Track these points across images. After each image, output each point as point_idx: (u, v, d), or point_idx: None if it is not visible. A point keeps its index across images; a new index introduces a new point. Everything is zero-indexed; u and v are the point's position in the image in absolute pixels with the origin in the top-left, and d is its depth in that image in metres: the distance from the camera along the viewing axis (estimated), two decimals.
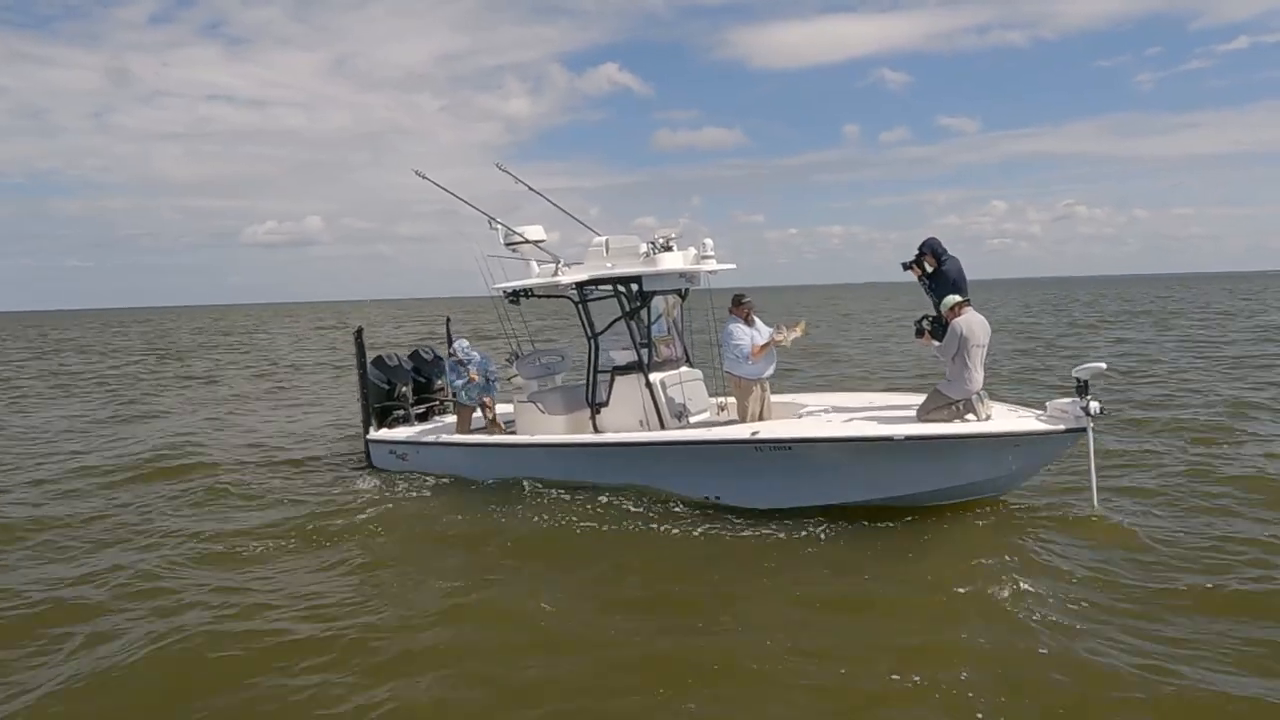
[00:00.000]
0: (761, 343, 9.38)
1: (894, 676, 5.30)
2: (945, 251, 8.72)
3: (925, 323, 8.86)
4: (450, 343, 12.77)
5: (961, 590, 6.58)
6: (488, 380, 11.08)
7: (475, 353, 11.01)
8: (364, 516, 9.23)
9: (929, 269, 8.72)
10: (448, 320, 13.37)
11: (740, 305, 9.53)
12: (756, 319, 9.68)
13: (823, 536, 7.94)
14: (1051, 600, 6.30)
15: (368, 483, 10.64)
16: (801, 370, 20.57)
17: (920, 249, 8.78)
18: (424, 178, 10.79)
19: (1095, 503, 8.08)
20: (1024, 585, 6.47)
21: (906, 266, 8.87)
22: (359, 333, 11.64)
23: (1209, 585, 6.46)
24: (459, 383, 10.84)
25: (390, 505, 9.70)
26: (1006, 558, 7.19)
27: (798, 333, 9.41)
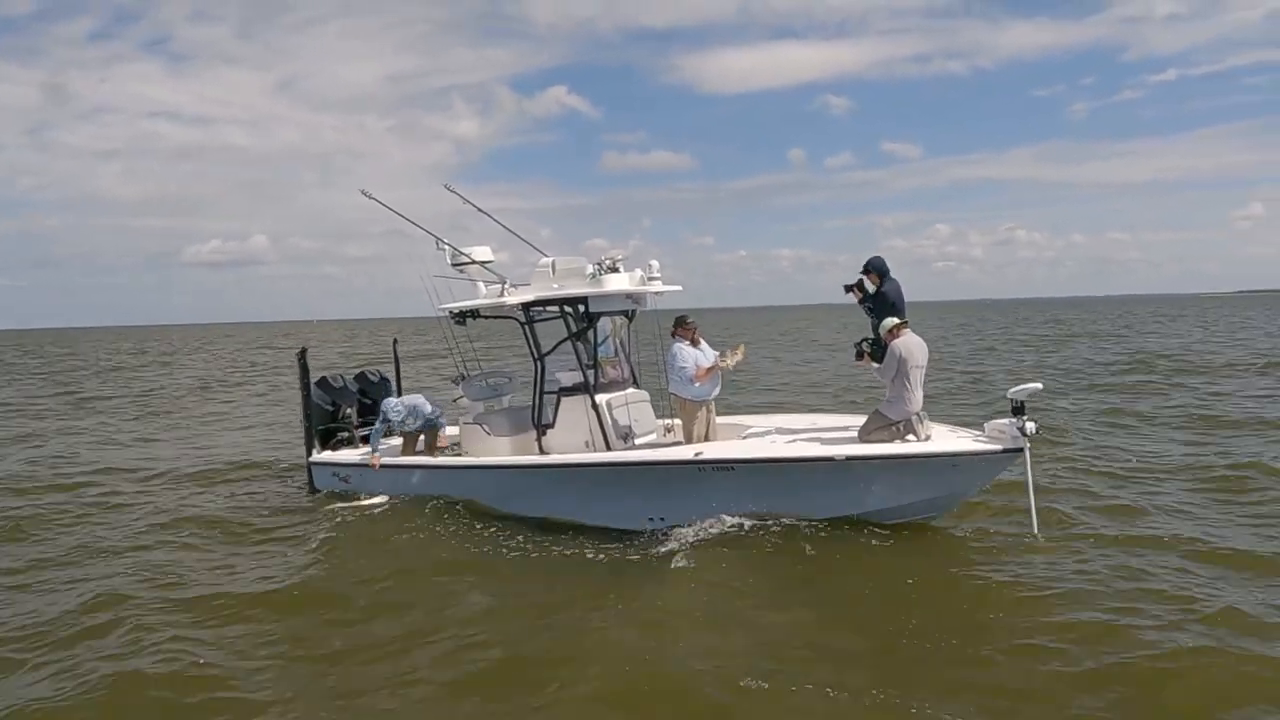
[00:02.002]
0: (707, 365, 9.43)
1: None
2: (889, 272, 8.82)
3: (865, 345, 8.98)
4: (397, 364, 12.68)
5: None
6: (429, 420, 10.86)
7: (402, 408, 10.60)
8: (306, 542, 9.05)
9: (871, 288, 8.83)
10: (394, 342, 13.24)
11: (684, 326, 9.58)
12: (702, 340, 9.73)
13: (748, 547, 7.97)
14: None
15: (309, 505, 10.42)
16: (738, 387, 20.63)
17: (865, 267, 8.85)
18: (370, 197, 10.70)
19: (1035, 527, 8.08)
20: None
21: (848, 289, 8.98)
22: (302, 353, 11.47)
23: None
24: (390, 423, 10.53)
25: (332, 530, 9.50)
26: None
27: (739, 357, 9.51)
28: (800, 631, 6.36)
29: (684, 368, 9.33)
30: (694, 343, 9.58)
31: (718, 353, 9.66)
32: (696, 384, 9.35)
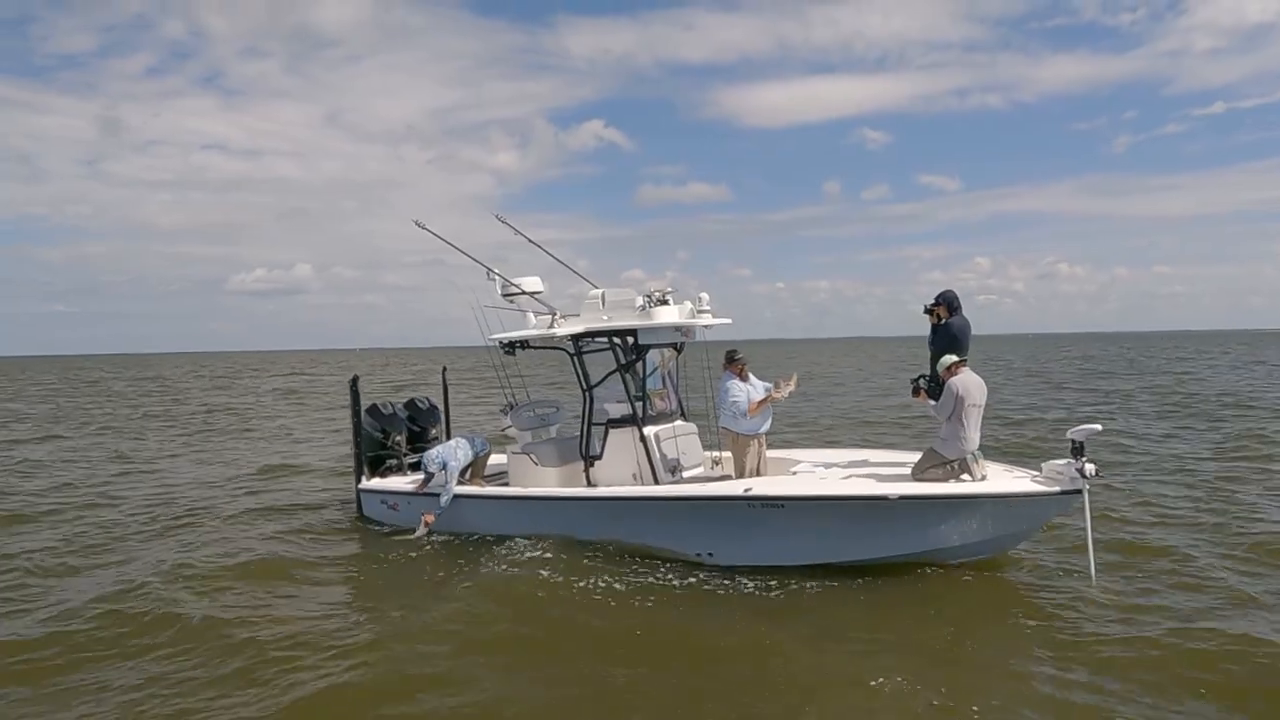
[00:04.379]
0: (758, 398, 9.36)
1: None
2: (959, 308, 8.66)
3: (921, 381, 8.84)
4: (445, 392, 12.77)
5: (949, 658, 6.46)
6: (477, 453, 10.73)
7: (440, 459, 10.19)
8: (353, 567, 9.11)
9: (941, 319, 8.67)
10: (444, 370, 13.36)
11: (734, 362, 9.53)
12: (751, 375, 9.67)
13: (811, 592, 7.83)
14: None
15: (357, 532, 10.50)
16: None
17: (937, 299, 8.70)
18: (423, 228, 10.85)
19: (1093, 567, 7.88)
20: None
21: (927, 310, 8.79)
22: (354, 381, 11.61)
23: None
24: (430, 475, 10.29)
25: (379, 557, 9.58)
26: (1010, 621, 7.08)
27: (791, 387, 9.42)
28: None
29: (736, 401, 9.27)
30: (743, 377, 9.52)
31: (769, 385, 9.59)
32: (747, 418, 9.28)
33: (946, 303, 8.63)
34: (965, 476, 8.20)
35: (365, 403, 11.53)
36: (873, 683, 5.90)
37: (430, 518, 10.07)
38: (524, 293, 10.32)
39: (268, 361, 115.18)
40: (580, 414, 9.96)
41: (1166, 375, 39.38)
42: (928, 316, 8.75)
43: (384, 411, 11.76)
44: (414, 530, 10.16)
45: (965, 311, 8.66)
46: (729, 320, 10.15)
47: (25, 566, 9.51)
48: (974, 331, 8.68)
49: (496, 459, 11.22)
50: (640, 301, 9.57)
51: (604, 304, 9.78)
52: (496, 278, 10.39)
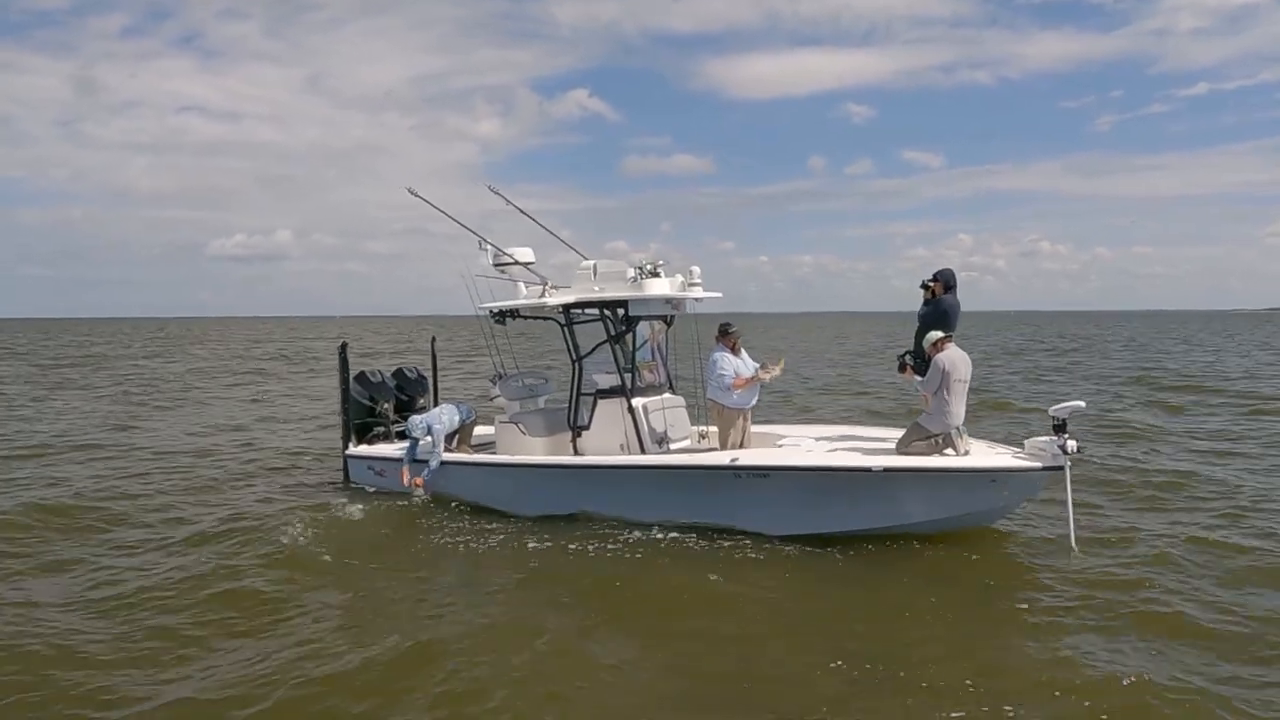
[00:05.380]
0: (747, 375, 9.42)
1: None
2: (954, 287, 8.77)
3: (907, 357, 8.94)
4: (435, 362, 12.80)
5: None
6: (463, 420, 10.80)
7: (423, 424, 10.18)
8: (338, 532, 9.16)
9: (935, 295, 8.76)
10: (432, 340, 13.39)
11: (727, 335, 9.56)
12: (743, 350, 9.72)
13: (792, 562, 7.93)
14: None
15: (343, 497, 10.54)
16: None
17: (935, 275, 8.81)
18: (416, 195, 10.82)
19: (1074, 543, 8.01)
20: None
21: (924, 285, 8.86)
22: (343, 348, 11.61)
23: None
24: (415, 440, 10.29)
25: (366, 521, 9.63)
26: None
27: (778, 370, 9.49)
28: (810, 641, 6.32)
29: (723, 374, 9.32)
30: (735, 351, 9.57)
31: (758, 364, 9.65)
32: (735, 393, 9.34)
33: (943, 280, 8.74)
34: (949, 451, 8.30)
35: (354, 370, 11.54)
36: (849, 658, 5.95)
37: (419, 482, 10.12)
38: (517, 263, 10.34)
39: (248, 328, 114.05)
40: (569, 384, 10.01)
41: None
42: (923, 291, 8.85)
43: (372, 379, 11.77)
44: (401, 493, 10.21)
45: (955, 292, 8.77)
46: (719, 294, 10.20)
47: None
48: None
49: (485, 429, 11.28)
50: (632, 273, 9.60)
51: (596, 275, 9.82)
52: (488, 247, 10.40)
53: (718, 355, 9.45)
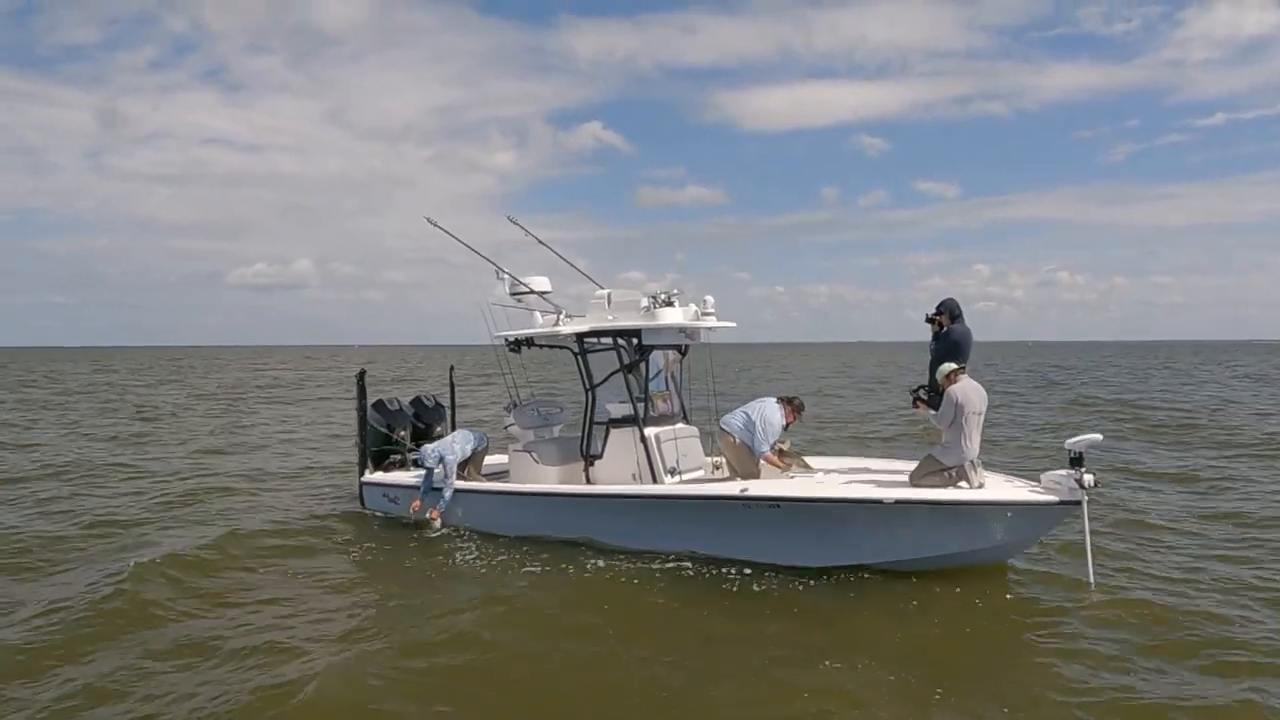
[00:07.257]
0: (781, 447, 9.47)
1: None
2: (961, 316, 8.70)
3: (921, 391, 8.85)
4: (453, 391, 12.86)
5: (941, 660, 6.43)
6: (475, 447, 10.79)
7: (436, 454, 10.20)
8: (353, 556, 9.19)
9: (942, 327, 8.69)
10: (450, 370, 13.48)
11: (793, 406, 9.56)
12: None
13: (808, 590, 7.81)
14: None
15: (358, 523, 10.58)
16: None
17: (938, 307, 8.75)
18: (435, 225, 10.97)
19: (1091, 577, 7.83)
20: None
21: (929, 319, 8.82)
22: (361, 375, 11.71)
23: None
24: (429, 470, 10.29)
25: (381, 547, 9.66)
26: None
27: (794, 469, 9.49)
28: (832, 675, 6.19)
29: (774, 430, 9.27)
30: (788, 420, 9.51)
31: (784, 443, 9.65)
32: (762, 446, 9.26)
33: (948, 311, 8.66)
34: (963, 484, 8.18)
35: (371, 398, 11.63)
36: (867, 688, 5.86)
37: (435, 515, 10.14)
38: (533, 292, 10.41)
39: (262, 357, 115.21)
40: (582, 413, 10.01)
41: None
42: (929, 325, 8.78)
43: (390, 407, 11.85)
44: (414, 522, 10.23)
45: (966, 319, 8.69)
46: (733, 324, 10.19)
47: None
48: (974, 338, 8.70)
49: (499, 458, 11.29)
50: (645, 303, 9.61)
51: (610, 304, 9.84)
52: (506, 276, 10.49)
53: (777, 416, 9.37)
